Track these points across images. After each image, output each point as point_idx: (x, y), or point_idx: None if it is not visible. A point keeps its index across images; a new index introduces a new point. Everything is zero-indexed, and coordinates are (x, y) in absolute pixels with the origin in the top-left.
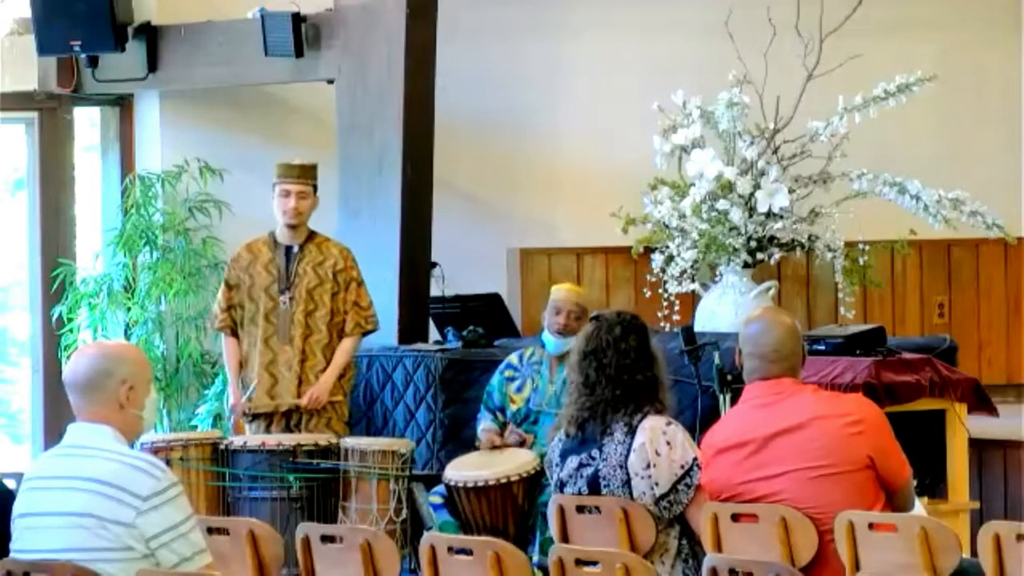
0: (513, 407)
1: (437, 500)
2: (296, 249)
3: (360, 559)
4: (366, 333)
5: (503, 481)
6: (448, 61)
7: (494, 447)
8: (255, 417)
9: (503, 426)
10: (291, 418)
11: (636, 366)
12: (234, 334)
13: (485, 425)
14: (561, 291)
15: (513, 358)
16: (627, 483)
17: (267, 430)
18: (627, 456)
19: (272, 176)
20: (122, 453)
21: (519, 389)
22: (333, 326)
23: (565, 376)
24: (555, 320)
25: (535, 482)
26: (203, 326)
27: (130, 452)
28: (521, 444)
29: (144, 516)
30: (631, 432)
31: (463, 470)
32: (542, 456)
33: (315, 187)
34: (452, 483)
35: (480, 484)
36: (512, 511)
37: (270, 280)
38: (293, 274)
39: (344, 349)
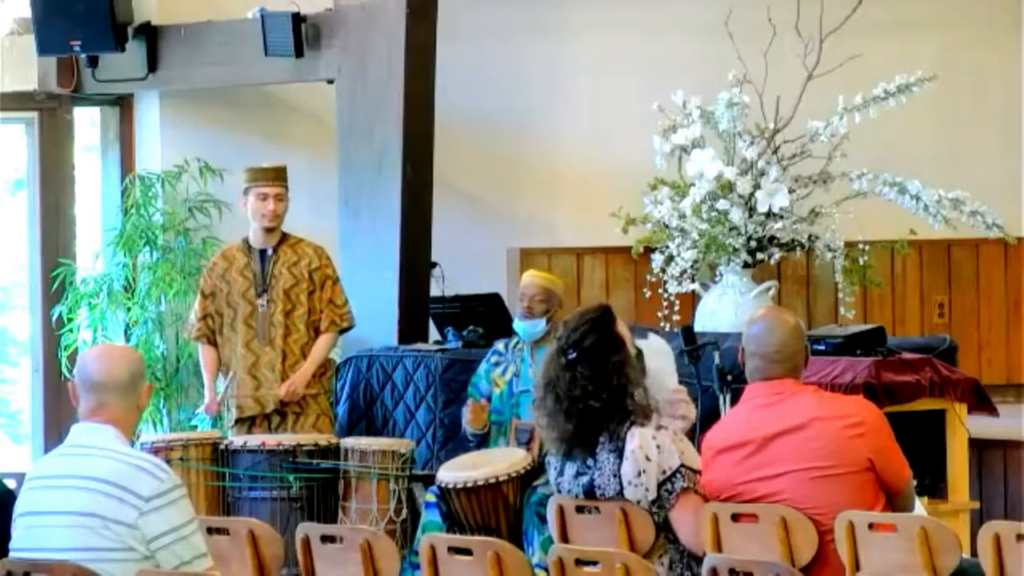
0: (497, 391)
1: (431, 499)
2: (270, 252)
3: (360, 559)
4: (342, 331)
5: (492, 481)
6: (448, 61)
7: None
8: (238, 421)
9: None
10: (272, 420)
11: (616, 385)
12: (210, 342)
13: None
14: (526, 277)
15: (499, 345)
16: (620, 492)
17: (249, 431)
18: (620, 464)
19: (242, 181)
20: (126, 453)
21: (503, 372)
22: (311, 324)
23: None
24: (520, 306)
25: (527, 481)
26: None
27: (134, 452)
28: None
29: (146, 517)
30: (621, 440)
31: (454, 471)
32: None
33: (287, 188)
34: (443, 484)
35: (470, 485)
36: (504, 510)
37: (247, 285)
38: (269, 276)
39: (320, 346)
